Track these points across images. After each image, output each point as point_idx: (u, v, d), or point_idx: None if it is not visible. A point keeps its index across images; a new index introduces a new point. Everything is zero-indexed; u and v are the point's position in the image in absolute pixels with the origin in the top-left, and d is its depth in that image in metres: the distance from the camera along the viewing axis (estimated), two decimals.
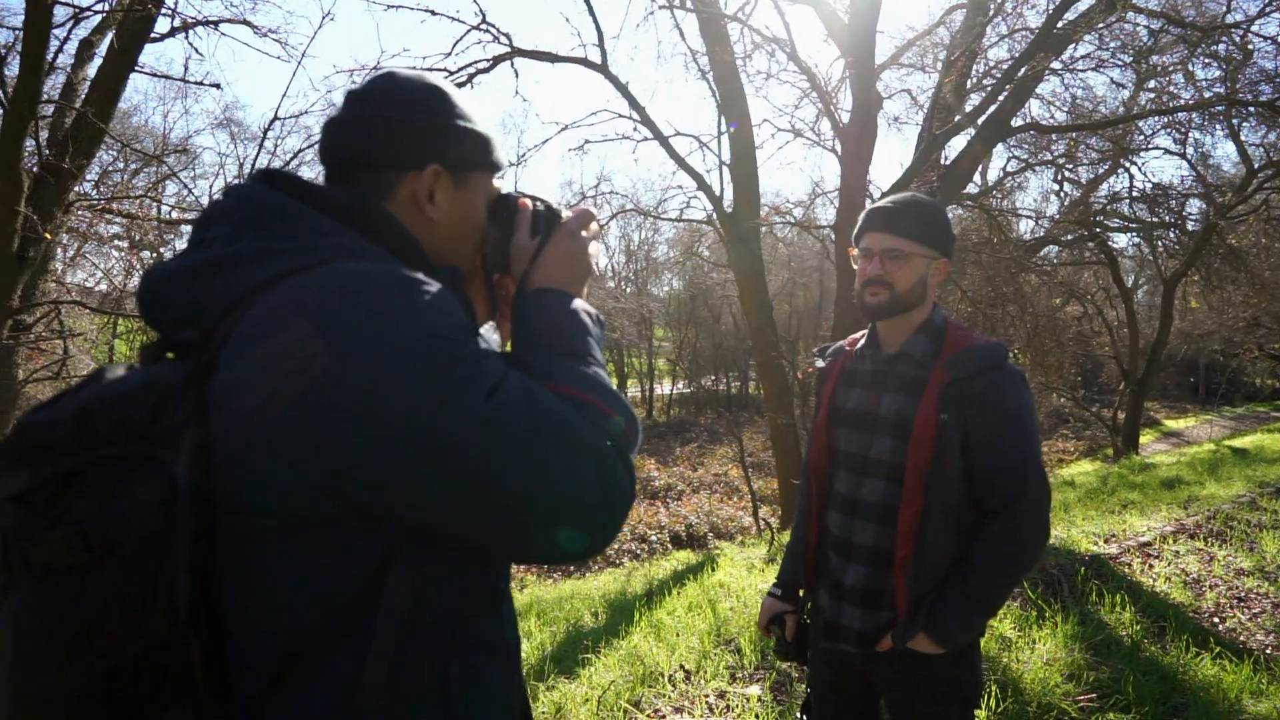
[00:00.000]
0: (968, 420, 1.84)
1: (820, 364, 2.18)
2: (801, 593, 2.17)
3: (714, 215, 12.01)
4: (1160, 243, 16.82)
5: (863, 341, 2.09)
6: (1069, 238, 16.42)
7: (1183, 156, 14.65)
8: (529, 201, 1.18)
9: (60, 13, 6.34)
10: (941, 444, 1.84)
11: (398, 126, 1.07)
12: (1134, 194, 15.31)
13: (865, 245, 1.94)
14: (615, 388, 1.02)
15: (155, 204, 13.16)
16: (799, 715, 2.17)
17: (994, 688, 3.53)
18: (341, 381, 0.84)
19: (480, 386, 0.88)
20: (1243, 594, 5.01)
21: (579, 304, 1.10)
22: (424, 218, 1.09)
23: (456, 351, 0.89)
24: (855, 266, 1.98)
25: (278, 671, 0.87)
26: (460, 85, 9.75)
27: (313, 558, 0.87)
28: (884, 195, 8.91)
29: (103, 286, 17.28)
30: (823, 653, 2.08)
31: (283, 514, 0.86)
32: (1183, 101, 12.10)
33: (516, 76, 15.16)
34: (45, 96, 6.57)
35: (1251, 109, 12.00)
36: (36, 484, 0.84)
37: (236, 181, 1.05)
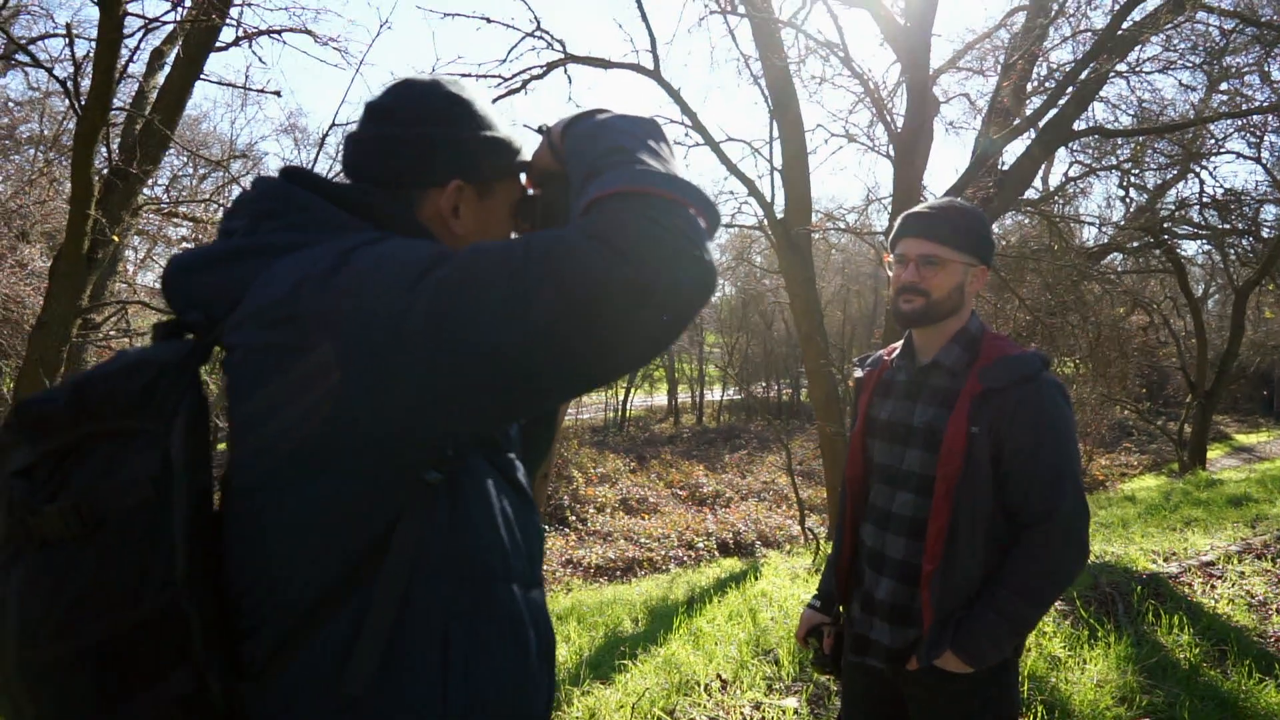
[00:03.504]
0: (1000, 432, 1.78)
1: (859, 374, 2.14)
2: (841, 607, 2.14)
3: (765, 221, 11.92)
4: (1232, 250, 16.21)
5: (899, 351, 2.05)
6: (1134, 245, 15.92)
7: (1257, 161, 14.12)
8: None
9: (131, 23, 6.58)
10: (972, 457, 1.78)
11: (418, 144, 1.06)
12: (1204, 200, 14.80)
13: (901, 251, 1.90)
14: (658, 171, 0.91)
15: (220, 208, 13.60)
16: None
17: (1040, 709, 3.43)
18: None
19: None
20: None
21: (599, 119, 1.02)
22: (449, 233, 1.09)
23: (439, 249, 0.90)
24: (890, 273, 1.94)
25: (287, 631, 0.90)
26: (515, 91, 9.87)
27: (321, 509, 0.90)
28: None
29: None
30: (853, 666, 2.05)
31: (298, 449, 0.88)
32: (1258, 104, 11.68)
33: (570, 82, 15.28)
34: (117, 104, 6.83)
35: None
36: (38, 459, 0.88)
37: (262, 175, 1.08)
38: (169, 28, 8.20)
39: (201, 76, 7.07)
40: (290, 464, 0.89)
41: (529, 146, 1.16)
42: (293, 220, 0.99)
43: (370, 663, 0.89)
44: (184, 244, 16.61)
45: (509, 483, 1.06)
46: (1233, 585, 5.26)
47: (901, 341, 2.04)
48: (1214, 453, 20.55)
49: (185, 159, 17.03)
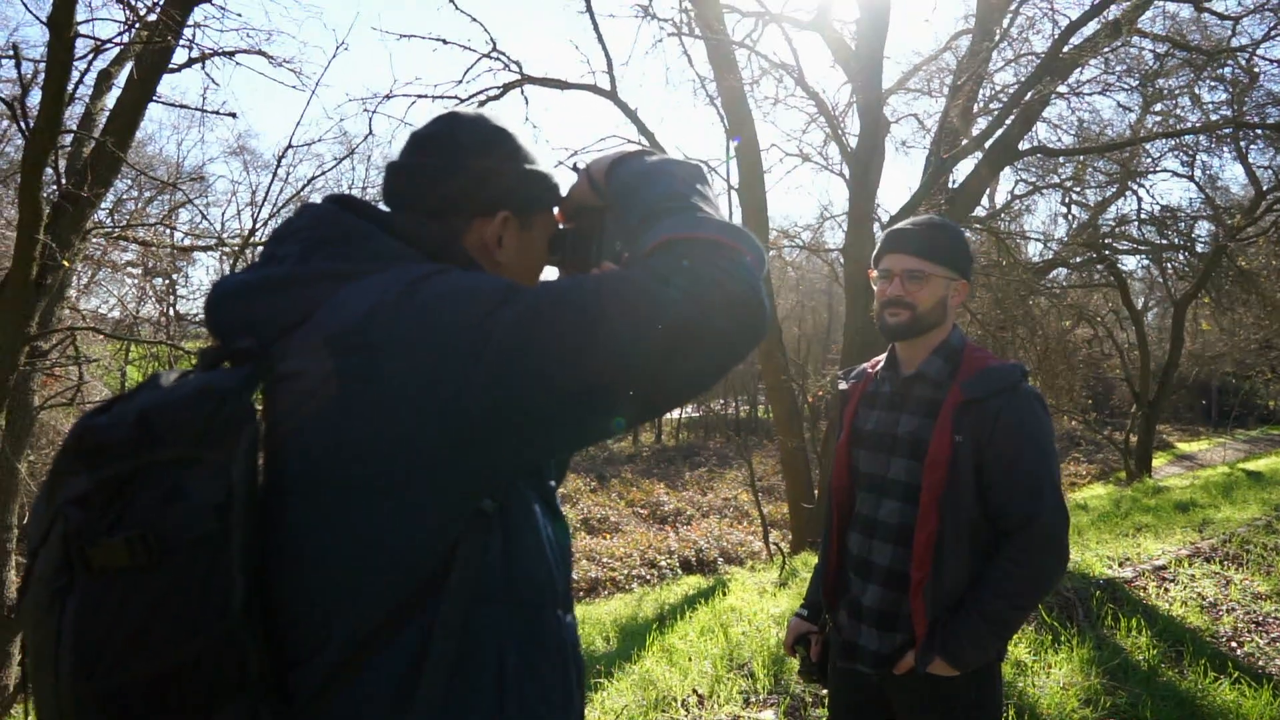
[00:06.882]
0: (982, 441, 1.84)
1: (843, 386, 2.19)
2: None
3: None
4: (1169, 265, 16.85)
5: (883, 363, 2.10)
6: (1078, 260, 16.45)
7: (1190, 179, 14.76)
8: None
9: (80, 45, 6.45)
10: (956, 465, 1.84)
11: (468, 175, 1.09)
12: (1142, 216, 15.39)
13: (885, 266, 1.96)
14: (702, 217, 0.98)
15: (169, 231, 13.29)
16: None
17: (1011, 712, 3.50)
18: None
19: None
20: (1260, 618, 4.96)
21: (649, 161, 1.09)
22: (491, 261, 1.11)
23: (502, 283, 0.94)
24: (875, 288, 1.99)
25: (343, 659, 0.90)
26: None
27: (382, 536, 0.90)
28: (893, 219, 8.98)
29: (115, 313, 17.44)
30: (840, 672, 2.08)
31: (365, 475, 0.89)
32: (1190, 124, 12.20)
33: (526, 103, 15.30)
34: (64, 126, 6.67)
35: (1259, 131, 12.08)
36: (96, 486, 0.86)
37: (311, 201, 1.08)
38: (118, 49, 8.06)
39: (153, 98, 6.93)
40: (357, 490, 0.89)
41: (564, 182, 1.21)
42: (349, 249, 1.00)
43: (437, 690, 0.90)
44: (130, 268, 16.20)
45: (550, 508, 1.08)
46: (1184, 588, 5.44)
47: (885, 354, 2.10)
48: (1158, 461, 21.18)
49: (130, 182, 16.68)
